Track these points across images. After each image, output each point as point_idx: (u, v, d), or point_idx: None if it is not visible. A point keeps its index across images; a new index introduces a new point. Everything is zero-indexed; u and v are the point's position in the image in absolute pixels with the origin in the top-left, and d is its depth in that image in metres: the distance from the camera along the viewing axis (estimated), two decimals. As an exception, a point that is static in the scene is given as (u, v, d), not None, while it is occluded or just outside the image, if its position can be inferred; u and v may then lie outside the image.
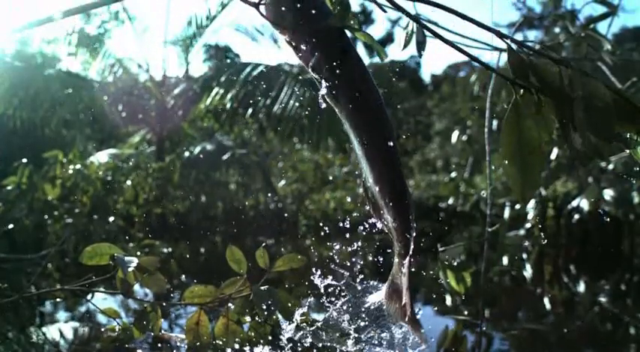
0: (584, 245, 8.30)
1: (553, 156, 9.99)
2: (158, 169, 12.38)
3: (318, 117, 13.14)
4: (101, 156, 12.11)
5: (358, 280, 2.36)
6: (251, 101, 13.31)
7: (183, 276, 6.81)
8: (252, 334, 3.15)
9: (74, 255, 6.97)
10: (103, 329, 3.51)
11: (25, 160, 8.30)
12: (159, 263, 3.21)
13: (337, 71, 1.97)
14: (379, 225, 2.08)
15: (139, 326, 3.19)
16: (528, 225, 9.17)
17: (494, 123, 9.46)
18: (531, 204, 9.28)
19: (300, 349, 2.93)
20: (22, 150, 10.05)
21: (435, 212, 13.04)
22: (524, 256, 8.54)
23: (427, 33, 2.20)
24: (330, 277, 2.38)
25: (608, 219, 8.41)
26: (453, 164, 15.19)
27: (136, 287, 3.23)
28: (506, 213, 9.71)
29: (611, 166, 9.08)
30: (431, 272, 6.35)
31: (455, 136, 14.98)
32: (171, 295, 4.66)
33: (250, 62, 14.19)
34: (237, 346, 3.11)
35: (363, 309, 2.18)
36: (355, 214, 11.83)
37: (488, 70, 2.08)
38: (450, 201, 12.75)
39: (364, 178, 2.06)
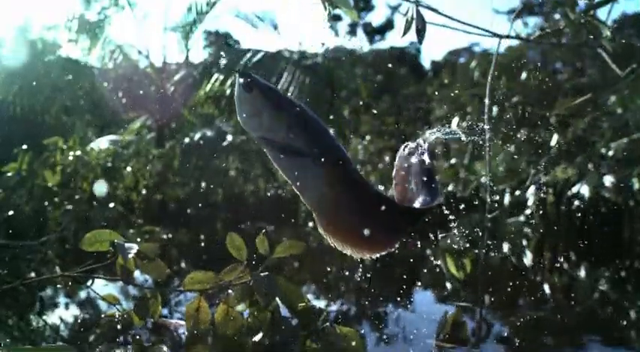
0: (584, 231, 8.29)
1: (553, 142, 9.98)
2: (158, 155, 12.39)
3: (318, 103, 13.13)
4: (101, 143, 12.09)
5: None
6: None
7: (183, 263, 6.83)
8: (252, 320, 3.15)
9: (74, 242, 6.98)
10: (102, 316, 3.51)
11: (25, 147, 8.29)
12: (159, 249, 3.21)
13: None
14: None
15: (139, 313, 3.18)
16: (528, 212, 9.16)
17: (494, 109, 9.45)
18: (531, 190, 9.27)
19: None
20: (22, 137, 10.03)
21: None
22: (524, 242, 8.54)
23: (427, 19, 2.20)
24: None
25: (608, 206, 8.41)
26: (453, 150, 15.15)
27: (136, 273, 3.23)
28: (506, 200, 9.70)
29: (611, 152, 9.07)
30: (431, 258, 6.37)
31: (455, 123, 14.98)
32: (172, 281, 4.67)
33: (250, 48, 14.20)
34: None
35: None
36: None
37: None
38: (450, 187, 12.75)
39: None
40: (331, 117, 13.43)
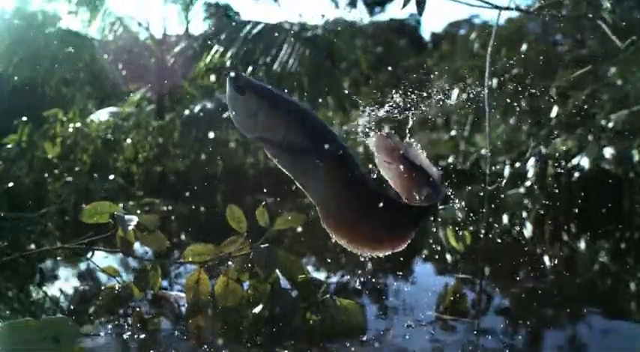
0: (584, 203, 8.28)
1: (553, 114, 9.96)
2: (158, 128, 12.37)
3: (318, 75, 13.10)
4: (101, 115, 12.07)
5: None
6: (251, 59, 13.28)
7: (183, 235, 6.82)
8: (252, 292, 3.15)
9: (74, 214, 6.98)
10: (102, 288, 3.50)
11: (25, 119, 8.28)
12: (159, 221, 3.21)
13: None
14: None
15: (139, 285, 3.18)
16: (528, 183, 9.15)
17: (494, 81, 9.42)
18: (531, 162, 9.26)
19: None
20: (22, 109, 10.00)
21: (435, 170, 12.99)
22: (524, 214, 8.54)
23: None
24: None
25: (608, 178, 8.39)
26: (453, 122, 15.13)
27: (136, 245, 3.23)
28: (506, 172, 9.69)
29: (611, 124, 9.04)
30: (432, 230, 6.36)
31: (455, 95, 14.92)
32: (171, 253, 4.67)
33: (250, 20, 14.15)
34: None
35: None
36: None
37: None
38: (450, 159, 12.73)
39: None
40: (331, 89, 13.41)
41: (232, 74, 1.99)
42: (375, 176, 2.02)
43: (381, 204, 1.99)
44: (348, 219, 2.02)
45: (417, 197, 2.09)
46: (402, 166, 2.08)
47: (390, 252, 2.08)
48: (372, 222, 2.02)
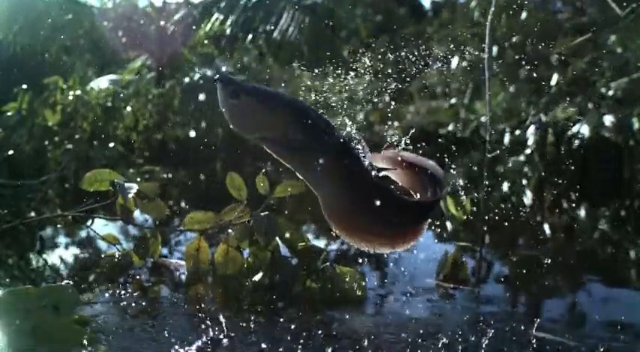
0: (584, 171, 8.28)
1: (553, 82, 9.95)
2: (158, 95, 12.35)
3: (318, 43, 13.07)
4: (101, 82, 12.03)
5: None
6: (251, 27, 13.25)
7: (183, 202, 6.83)
8: (252, 259, 3.15)
9: (74, 181, 6.98)
10: (102, 255, 3.51)
11: (25, 86, 8.27)
12: (159, 189, 3.20)
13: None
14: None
15: (139, 252, 3.19)
16: (528, 151, 9.15)
17: (494, 49, 9.39)
18: (531, 129, 9.26)
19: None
20: (22, 77, 9.99)
21: (435, 138, 13.02)
22: (524, 182, 8.54)
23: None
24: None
25: (608, 145, 8.40)
26: (453, 90, 15.09)
27: (136, 213, 3.23)
28: (507, 139, 9.69)
29: (611, 92, 9.03)
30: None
31: (455, 62, 14.89)
32: (171, 221, 4.67)
33: (250, -12, 14.09)
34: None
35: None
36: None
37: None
38: (450, 126, 12.72)
39: None
40: (331, 56, 13.37)
41: (221, 79, 1.97)
42: (376, 172, 2.00)
43: (384, 201, 1.98)
44: (351, 216, 2.01)
45: (421, 194, 2.09)
46: (403, 167, 2.08)
47: (396, 248, 2.07)
48: (375, 218, 2.01)
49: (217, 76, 1.97)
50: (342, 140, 1.95)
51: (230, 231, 3.14)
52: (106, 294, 3.16)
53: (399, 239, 2.04)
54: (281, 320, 2.75)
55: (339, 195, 1.98)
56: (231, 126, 2.01)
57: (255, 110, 1.95)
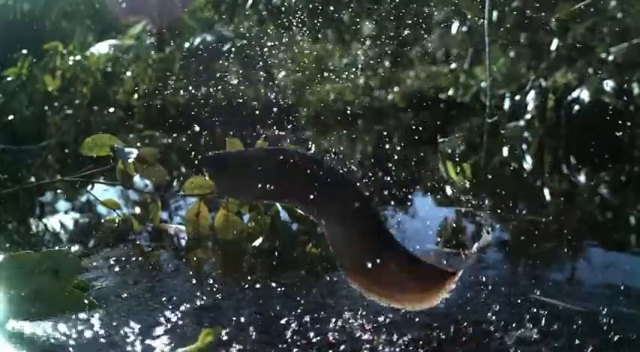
0: (584, 136, 8.27)
1: (553, 46, 9.92)
2: (158, 60, 12.33)
3: (319, 8, 13.01)
4: (101, 47, 12.01)
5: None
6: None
7: (183, 167, 6.82)
8: (252, 225, 3.15)
9: (74, 146, 6.98)
10: (102, 220, 3.51)
11: (25, 52, 8.26)
12: (159, 154, 3.20)
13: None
14: None
15: (139, 217, 3.19)
16: (528, 116, 9.13)
17: (494, 13, 9.36)
18: (531, 95, 9.23)
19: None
20: (22, 42, 9.97)
21: (435, 103, 12.99)
22: (524, 147, 8.53)
23: None
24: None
25: (608, 110, 8.38)
26: (453, 55, 15.05)
27: (136, 178, 3.22)
28: (506, 104, 9.67)
29: (611, 57, 9.01)
30: (431, 163, 6.36)
31: (455, 27, 14.84)
32: (171, 186, 4.67)
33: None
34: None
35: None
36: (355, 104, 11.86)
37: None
38: (450, 92, 12.68)
39: None
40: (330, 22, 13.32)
41: (206, 157, 1.99)
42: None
43: (397, 260, 1.99)
44: (364, 271, 2.01)
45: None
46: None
47: (414, 307, 2.07)
48: (387, 276, 2.02)
49: (202, 158, 2.00)
50: (352, 190, 1.97)
51: (230, 196, 3.14)
52: (106, 259, 3.16)
53: (413, 300, 2.05)
54: (281, 284, 2.75)
55: (350, 250, 2.00)
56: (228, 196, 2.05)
57: (245, 181, 1.99)
